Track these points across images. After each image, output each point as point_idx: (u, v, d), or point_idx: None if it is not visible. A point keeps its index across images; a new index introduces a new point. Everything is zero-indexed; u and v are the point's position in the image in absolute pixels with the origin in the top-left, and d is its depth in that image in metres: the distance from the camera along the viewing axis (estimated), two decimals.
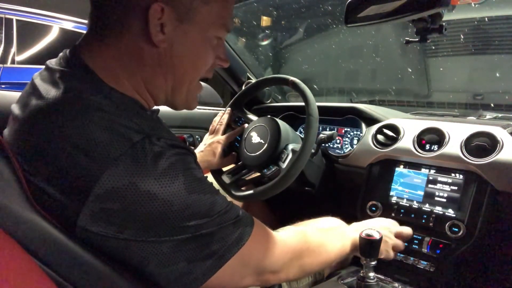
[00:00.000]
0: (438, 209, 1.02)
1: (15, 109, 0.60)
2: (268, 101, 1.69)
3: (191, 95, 0.69)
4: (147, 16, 0.56)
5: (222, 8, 0.64)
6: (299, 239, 0.74)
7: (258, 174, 1.09)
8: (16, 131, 0.57)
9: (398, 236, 0.98)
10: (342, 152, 1.33)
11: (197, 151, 1.12)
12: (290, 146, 1.05)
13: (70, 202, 0.50)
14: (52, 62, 0.61)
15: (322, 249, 0.77)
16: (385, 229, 0.95)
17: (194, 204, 0.55)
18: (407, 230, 1.00)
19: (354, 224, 0.95)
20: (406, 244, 1.01)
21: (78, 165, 0.50)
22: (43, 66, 0.63)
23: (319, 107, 0.97)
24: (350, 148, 1.35)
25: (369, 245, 0.80)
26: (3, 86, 2.93)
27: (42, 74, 0.61)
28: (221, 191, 0.63)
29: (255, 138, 1.09)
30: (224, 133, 1.16)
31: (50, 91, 0.55)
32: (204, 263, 0.56)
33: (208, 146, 1.12)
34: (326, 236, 0.80)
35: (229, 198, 0.64)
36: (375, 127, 1.23)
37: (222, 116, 1.18)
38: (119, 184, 0.50)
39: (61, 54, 0.62)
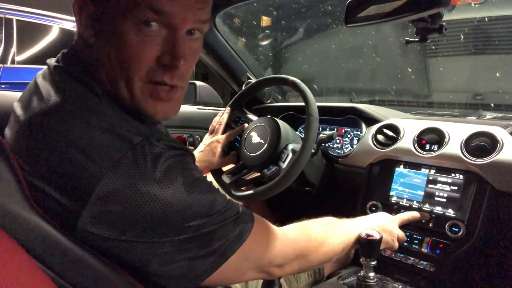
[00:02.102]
0: (438, 209, 1.02)
1: (17, 108, 0.60)
2: (268, 101, 1.69)
3: (137, 101, 0.57)
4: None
5: None
6: (301, 232, 0.74)
7: (258, 174, 1.09)
8: (16, 132, 0.57)
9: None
10: (342, 152, 1.33)
11: (197, 151, 1.12)
12: (290, 146, 1.05)
13: (70, 204, 0.50)
14: (52, 62, 0.61)
15: (325, 240, 0.76)
16: (390, 221, 0.95)
17: (195, 204, 0.55)
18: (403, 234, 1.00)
19: (358, 218, 0.94)
20: (406, 244, 1.01)
21: (79, 167, 0.50)
22: (43, 66, 0.63)
23: (319, 107, 0.97)
24: (350, 148, 1.35)
25: (369, 245, 0.80)
26: (3, 86, 2.94)
27: (44, 74, 0.61)
28: (221, 191, 0.63)
29: (255, 138, 1.09)
30: (223, 132, 1.15)
31: (50, 93, 0.55)
32: (206, 260, 0.56)
33: (208, 146, 1.12)
34: (329, 229, 0.80)
35: (228, 198, 0.64)
36: (375, 127, 1.23)
37: (221, 116, 1.18)
38: (120, 186, 0.50)
39: (59, 54, 0.62)
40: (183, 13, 0.55)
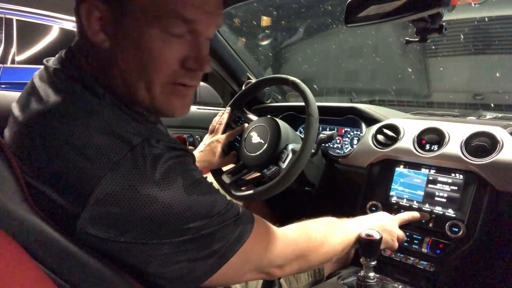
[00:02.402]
0: (438, 209, 1.02)
1: (15, 109, 0.60)
2: (268, 101, 1.69)
3: (157, 102, 0.58)
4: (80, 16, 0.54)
5: None
6: (301, 232, 0.74)
7: (258, 174, 1.09)
8: (15, 133, 0.56)
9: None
10: (342, 152, 1.33)
11: (197, 151, 1.12)
12: (290, 146, 1.05)
13: (69, 205, 0.50)
14: (50, 62, 0.61)
15: (325, 241, 0.76)
16: (390, 221, 0.95)
17: (194, 206, 0.55)
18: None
19: (357, 217, 0.94)
20: (406, 244, 1.01)
21: (78, 169, 0.50)
22: (43, 66, 0.63)
23: (319, 107, 0.97)
24: (350, 148, 1.35)
25: (369, 245, 0.80)
26: (3, 86, 2.93)
27: (41, 74, 0.61)
28: (221, 191, 0.63)
29: (255, 138, 1.09)
30: (224, 132, 1.15)
31: (49, 94, 0.55)
32: (206, 262, 0.56)
33: (208, 146, 1.12)
34: (329, 229, 0.80)
35: (228, 198, 0.64)
36: (375, 127, 1.23)
37: (221, 115, 1.18)
38: (119, 188, 0.50)
39: (57, 55, 0.62)
40: (208, 19, 0.57)
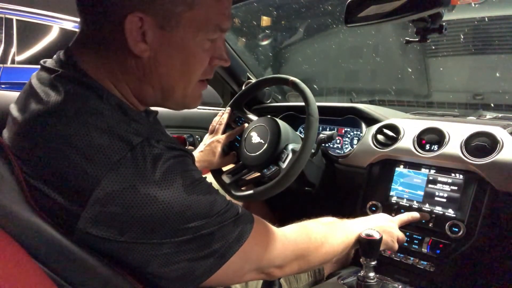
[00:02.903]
0: (438, 209, 1.02)
1: (14, 110, 0.60)
2: (268, 101, 1.69)
3: (188, 98, 0.65)
4: (124, 28, 0.54)
5: (211, 10, 0.59)
6: (301, 233, 0.74)
7: (258, 174, 1.09)
8: (15, 134, 0.56)
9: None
10: (342, 152, 1.33)
11: (197, 151, 1.12)
12: (290, 146, 1.05)
13: (70, 205, 0.50)
14: (47, 63, 0.61)
15: (325, 241, 0.76)
16: (390, 222, 0.95)
17: (194, 206, 0.55)
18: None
19: (357, 219, 0.94)
20: (406, 244, 1.01)
21: (79, 169, 0.50)
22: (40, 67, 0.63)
23: (319, 107, 0.97)
24: (350, 148, 1.35)
25: (369, 245, 0.80)
26: (3, 86, 2.94)
27: (39, 75, 0.61)
28: (221, 191, 0.63)
29: (255, 138, 1.09)
30: (223, 132, 1.16)
31: (48, 94, 0.55)
32: (205, 261, 0.56)
33: (208, 146, 1.12)
34: (329, 229, 0.80)
35: (228, 198, 0.64)
36: (375, 127, 1.23)
37: (221, 116, 1.18)
38: (120, 188, 0.50)
39: (55, 56, 0.62)
40: (228, 22, 0.64)
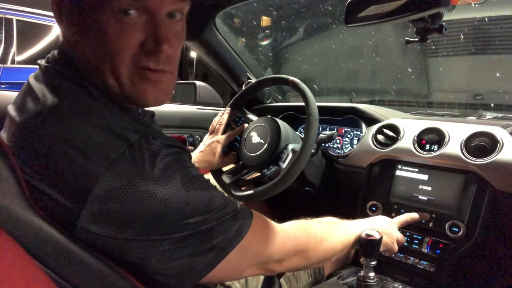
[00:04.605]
0: (438, 209, 1.02)
1: (11, 110, 0.60)
2: (268, 101, 1.69)
3: (127, 88, 0.57)
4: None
5: None
6: (301, 228, 0.74)
7: (258, 174, 1.09)
8: (13, 134, 0.56)
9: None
10: (342, 152, 1.33)
11: (197, 151, 1.12)
12: (290, 146, 1.05)
13: (69, 204, 0.50)
14: (43, 62, 0.61)
15: (324, 238, 0.76)
16: (389, 224, 0.95)
17: (193, 201, 0.55)
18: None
19: (356, 220, 0.94)
20: (406, 244, 1.01)
21: (77, 167, 0.50)
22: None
23: (319, 107, 0.97)
24: (350, 148, 1.35)
25: (369, 245, 0.80)
26: (3, 86, 2.94)
27: (37, 75, 0.61)
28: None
29: (255, 138, 1.09)
30: (224, 132, 1.16)
31: (45, 94, 0.55)
32: (205, 257, 0.56)
33: (208, 146, 1.12)
34: (328, 227, 0.80)
35: (227, 195, 0.64)
36: (375, 127, 1.23)
37: (221, 116, 1.19)
38: (119, 185, 0.50)
39: (50, 54, 0.62)
40: None
